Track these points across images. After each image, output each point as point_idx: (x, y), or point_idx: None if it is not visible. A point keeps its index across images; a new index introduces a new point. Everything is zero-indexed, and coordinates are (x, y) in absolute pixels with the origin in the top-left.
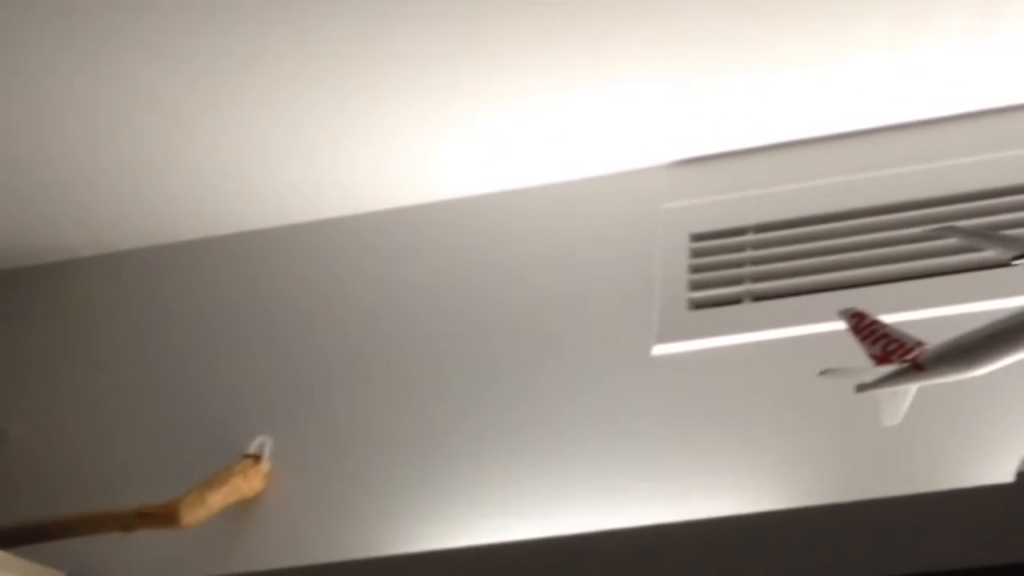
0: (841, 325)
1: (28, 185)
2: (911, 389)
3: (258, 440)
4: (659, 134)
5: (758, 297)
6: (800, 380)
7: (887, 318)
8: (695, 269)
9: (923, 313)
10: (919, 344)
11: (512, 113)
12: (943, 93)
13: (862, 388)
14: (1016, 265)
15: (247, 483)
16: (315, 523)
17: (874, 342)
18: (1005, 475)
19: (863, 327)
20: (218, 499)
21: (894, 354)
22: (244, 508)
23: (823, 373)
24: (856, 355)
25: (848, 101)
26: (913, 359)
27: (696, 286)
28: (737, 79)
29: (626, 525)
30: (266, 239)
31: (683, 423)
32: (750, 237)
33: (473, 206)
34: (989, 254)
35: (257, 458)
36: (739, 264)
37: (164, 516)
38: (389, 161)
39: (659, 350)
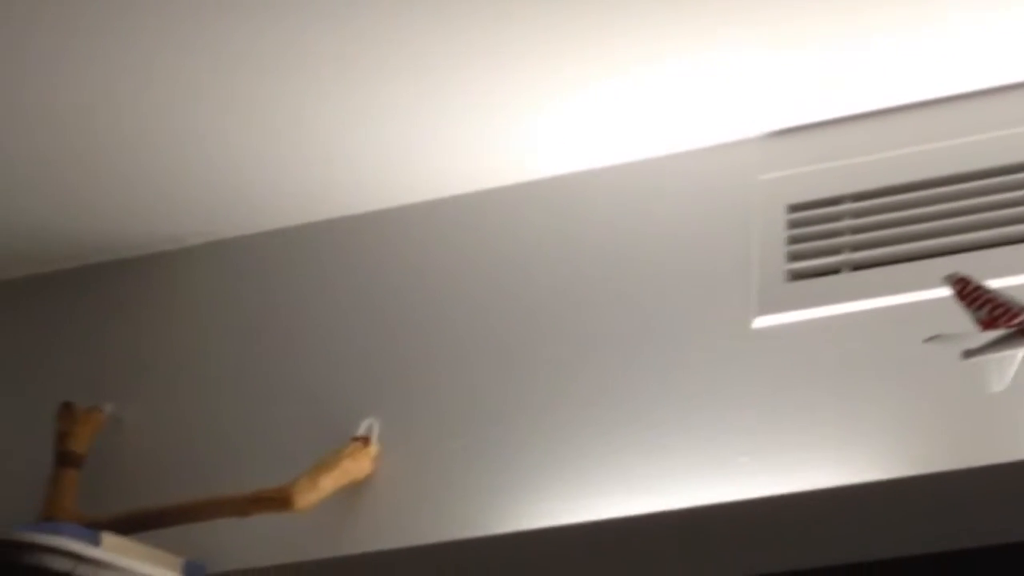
0: (942, 292)
1: (139, 175)
2: (1018, 354)
3: (366, 422)
4: (754, 105)
5: (857, 266)
6: (902, 349)
7: (991, 283)
8: (793, 240)
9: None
10: None
11: (603, 88)
12: None
13: (968, 354)
14: None
15: (356, 465)
16: (424, 504)
17: (980, 307)
18: None
19: (968, 292)
20: (329, 482)
21: (1000, 319)
22: (354, 490)
23: (929, 340)
24: (958, 322)
25: (944, 65)
26: (1020, 324)
27: (794, 257)
28: (832, 47)
29: (729, 499)
30: (370, 223)
31: (785, 395)
32: (848, 206)
33: (568, 184)
34: None
35: (366, 440)
36: (837, 234)
37: (278, 500)
38: (484, 141)
39: (759, 322)
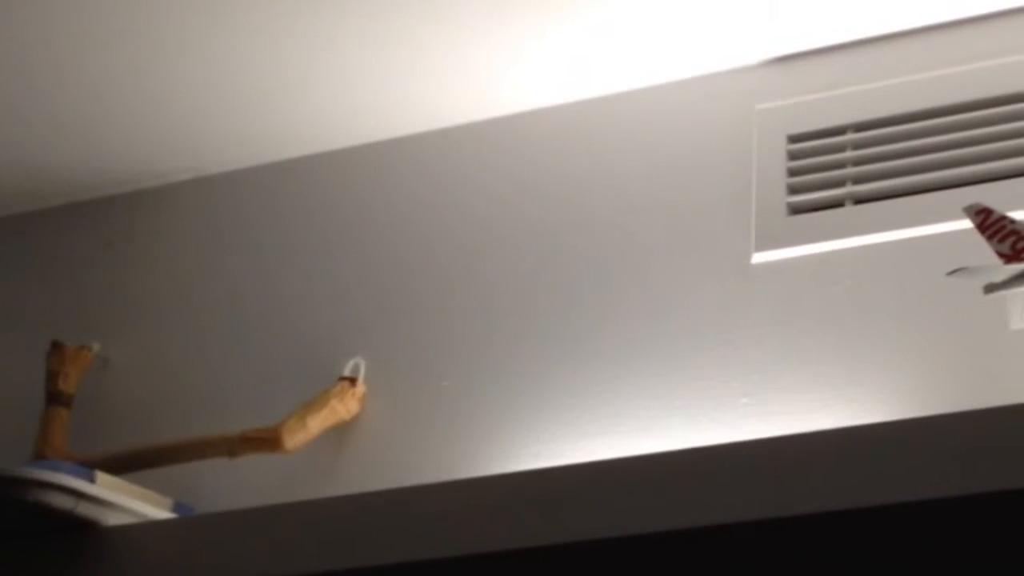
0: (947, 226)
1: (123, 112)
2: None
3: (352, 362)
4: (751, 32)
5: (860, 200)
6: (906, 285)
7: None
8: (793, 172)
9: None
10: None
11: (595, 16)
12: None
13: (990, 289)
14: None
15: (344, 406)
16: (412, 444)
17: (1002, 239)
18: None
19: (990, 224)
20: (317, 422)
21: None
22: (341, 431)
23: (951, 273)
24: (966, 257)
25: None
26: None
27: (795, 190)
28: None
29: (728, 440)
30: (351, 158)
31: (786, 334)
32: (850, 136)
33: (558, 116)
34: None
35: (353, 380)
36: (839, 165)
37: (267, 441)
38: (473, 73)
39: (758, 258)
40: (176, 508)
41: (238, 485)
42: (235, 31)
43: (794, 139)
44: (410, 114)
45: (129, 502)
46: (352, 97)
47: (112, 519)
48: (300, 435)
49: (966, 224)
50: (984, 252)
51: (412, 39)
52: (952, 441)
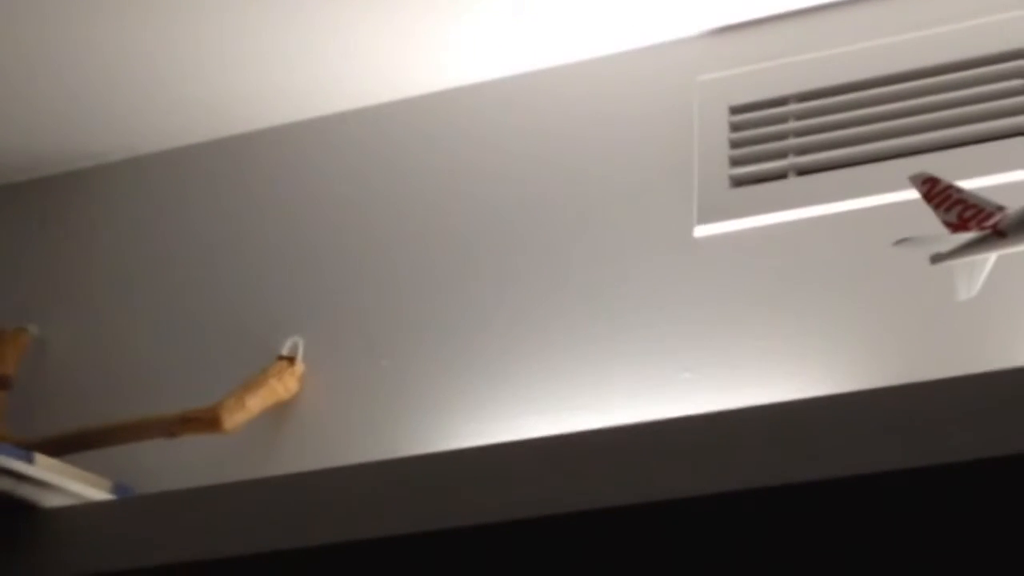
0: (892, 197)
1: (55, 90)
2: (990, 259)
3: (290, 341)
4: (691, 2)
5: (804, 171)
6: (851, 257)
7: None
8: (736, 144)
9: (995, 179)
10: (1000, 209)
11: None
12: None
13: (937, 259)
14: None
15: (283, 385)
16: (351, 423)
17: (948, 209)
18: None
19: (936, 193)
20: (256, 402)
21: (971, 220)
22: (281, 410)
23: (898, 243)
24: (912, 228)
25: None
26: (994, 225)
27: (737, 162)
28: None
29: (671, 416)
30: (286, 135)
31: (730, 308)
32: (793, 107)
33: (495, 90)
34: None
35: (291, 360)
36: (782, 136)
37: (206, 421)
38: (402, 49)
39: (701, 231)
40: (116, 489)
41: (178, 465)
42: (169, 9)
43: (736, 110)
44: (344, 92)
45: (68, 483)
46: (283, 75)
47: (51, 501)
48: (239, 415)
49: (911, 194)
50: (930, 222)
51: (339, 19)
52: (893, 415)
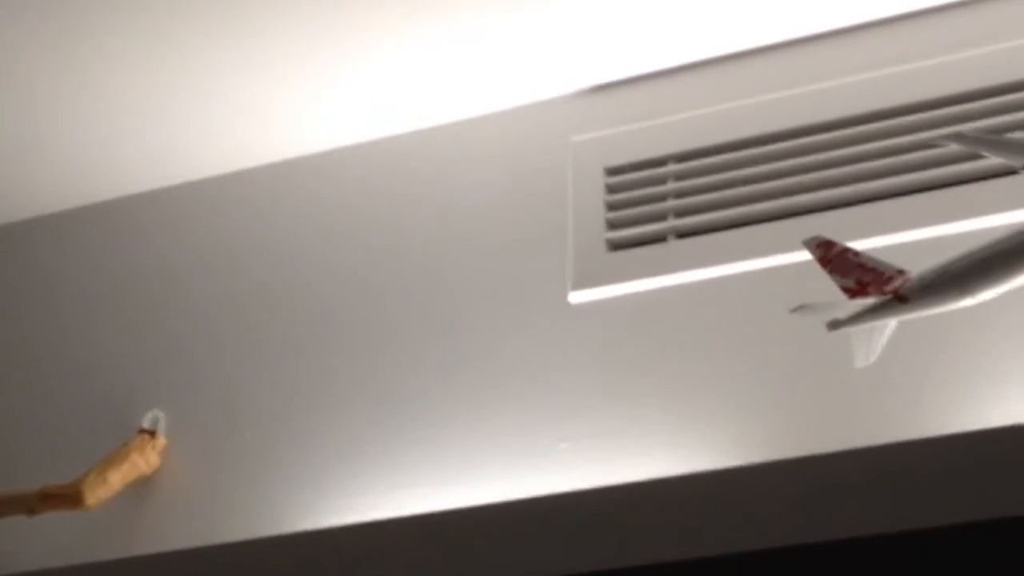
0: (773, 261)
1: None
2: (890, 324)
3: (151, 414)
4: (564, 61)
5: (683, 234)
6: (733, 324)
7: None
8: (612, 206)
9: (885, 239)
10: (901, 272)
11: (400, 50)
12: None
13: (835, 325)
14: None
15: (144, 459)
16: (215, 498)
17: (845, 274)
18: (997, 419)
19: (832, 257)
20: (118, 477)
21: (871, 285)
22: (143, 485)
23: (795, 310)
24: (799, 290)
25: (769, 11)
26: (895, 290)
27: (614, 225)
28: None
29: (548, 491)
30: (147, 203)
31: (607, 376)
32: (671, 167)
33: (365, 154)
34: (993, 162)
35: (152, 433)
36: (661, 198)
37: (67, 497)
38: (271, 114)
39: (576, 297)
40: None
41: (38, 544)
42: (30, 80)
43: (612, 171)
44: (204, 160)
45: None
46: (148, 141)
47: None
48: (101, 490)
49: (796, 257)
50: (817, 284)
51: (211, 80)
52: (784, 490)
